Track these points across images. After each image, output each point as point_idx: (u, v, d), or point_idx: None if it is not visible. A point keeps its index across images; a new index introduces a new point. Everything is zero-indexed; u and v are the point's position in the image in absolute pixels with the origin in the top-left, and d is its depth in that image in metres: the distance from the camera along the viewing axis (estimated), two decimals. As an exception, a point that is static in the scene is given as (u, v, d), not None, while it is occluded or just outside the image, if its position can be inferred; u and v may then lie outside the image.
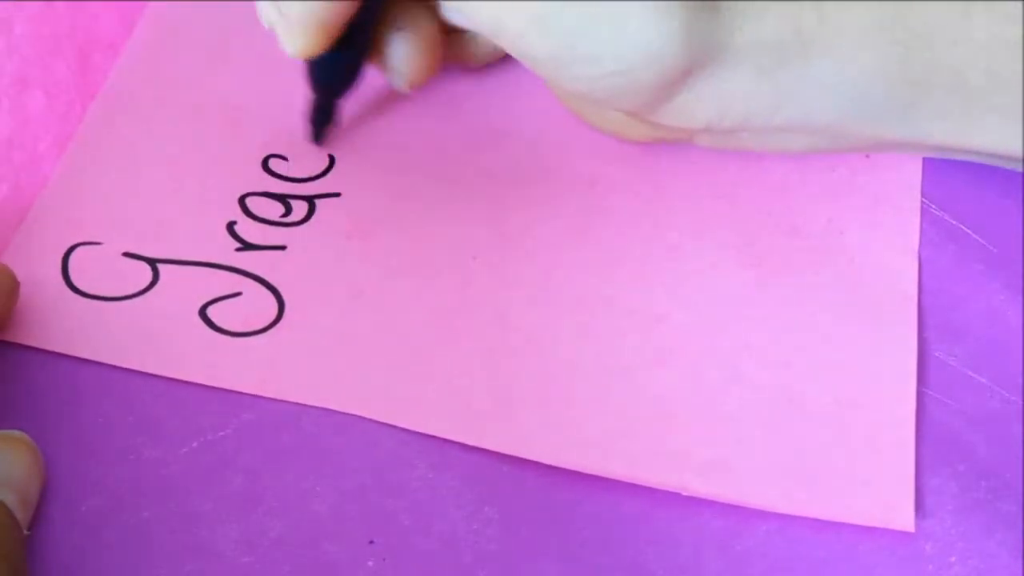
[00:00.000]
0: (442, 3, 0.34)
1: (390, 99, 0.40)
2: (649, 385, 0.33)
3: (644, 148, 0.38)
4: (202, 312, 0.35)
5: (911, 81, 0.31)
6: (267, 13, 0.34)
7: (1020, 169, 0.35)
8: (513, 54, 0.33)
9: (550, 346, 0.34)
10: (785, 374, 0.33)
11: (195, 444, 0.33)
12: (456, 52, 0.38)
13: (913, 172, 0.37)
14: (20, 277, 0.34)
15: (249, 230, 0.37)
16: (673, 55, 0.31)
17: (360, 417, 0.33)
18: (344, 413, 0.33)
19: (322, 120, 0.38)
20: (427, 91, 0.40)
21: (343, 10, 0.34)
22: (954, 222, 0.36)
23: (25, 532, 0.30)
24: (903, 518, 0.31)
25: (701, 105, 0.33)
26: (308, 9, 0.33)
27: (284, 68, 0.40)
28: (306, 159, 0.38)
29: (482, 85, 0.40)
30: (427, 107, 0.39)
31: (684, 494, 0.31)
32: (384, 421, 0.33)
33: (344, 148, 0.38)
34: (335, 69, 0.36)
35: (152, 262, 0.36)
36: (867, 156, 0.38)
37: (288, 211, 0.37)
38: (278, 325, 0.35)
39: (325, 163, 0.38)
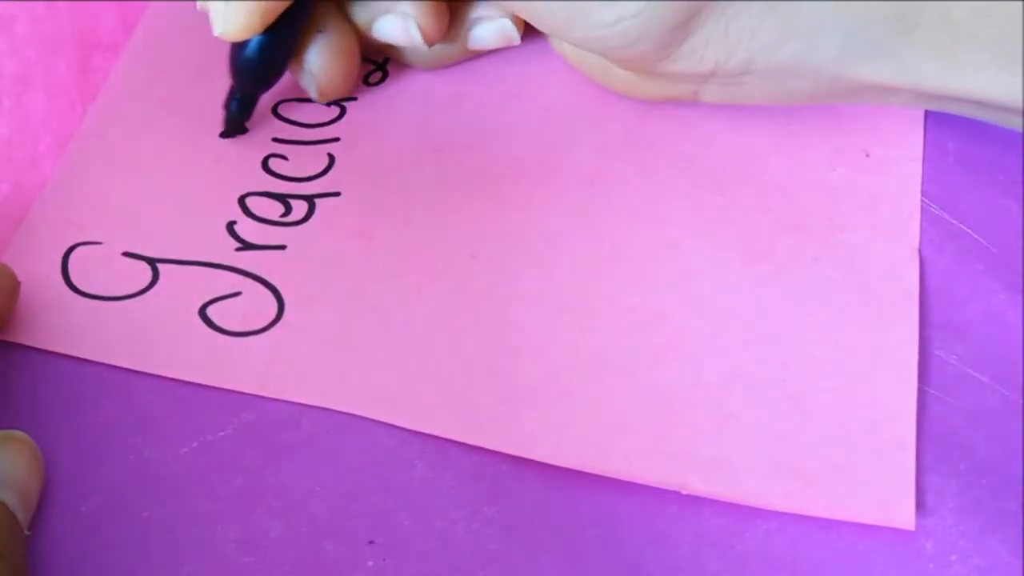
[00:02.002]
0: (372, 22, 0.36)
1: (390, 99, 0.40)
2: (649, 384, 0.33)
3: (644, 148, 0.38)
4: (202, 312, 0.35)
5: (899, 15, 0.32)
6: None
7: (1019, 127, 0.35)
8: (520, 10, 0.34)
9: (550, 345, 0.34)
10: (785, 372, 0.33)
11: (195, 444, 0.33)
12: (397, 55, 0.39)
13: (913, 172, 0.37)
14: (20, 277, 0.34)
15: (249, 230, 0.37)
16: None
17: (360, 417, 0.33)
18: (344, 413, 0.33)
19: (239, 112, 0.38)
20: (428, 90, 0.40)
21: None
22: (954, 222, 0.36)
23: (25, 532, 0.30)
24: (904, 516, 0.31)
25: (710, 47, 0.33)
26: None
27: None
28: (306, 159, 0.38)
29: (482, 84, 0.40)
30: (427, 106, 0.39)
31: (684, 492, 0.31)
32: (384, 421, 0.33)
33: (344, 148, 0.38)
34: (262, 57, 0.36)
35: (152, 262, 0.36)
36: (867, 155, 0.38)
37: (288, 211, 0.37)
38: (278, 325, 0.35)
39: (325, 163, 0.38)
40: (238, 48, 0.36)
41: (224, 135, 0.38)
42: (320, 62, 0.37)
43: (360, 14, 0.37)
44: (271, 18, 0.34)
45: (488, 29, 0.38)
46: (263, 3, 0.34)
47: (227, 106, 0.38)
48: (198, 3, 0.35)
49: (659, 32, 0.32)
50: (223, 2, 0.34)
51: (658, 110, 0.39)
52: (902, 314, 0.34)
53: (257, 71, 0.37)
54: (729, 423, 0.33)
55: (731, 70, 0.34)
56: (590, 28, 0.33)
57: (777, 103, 0.37)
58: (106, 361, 0.34)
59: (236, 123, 0.38)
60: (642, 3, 0.31)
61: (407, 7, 0.36)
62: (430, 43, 0.37)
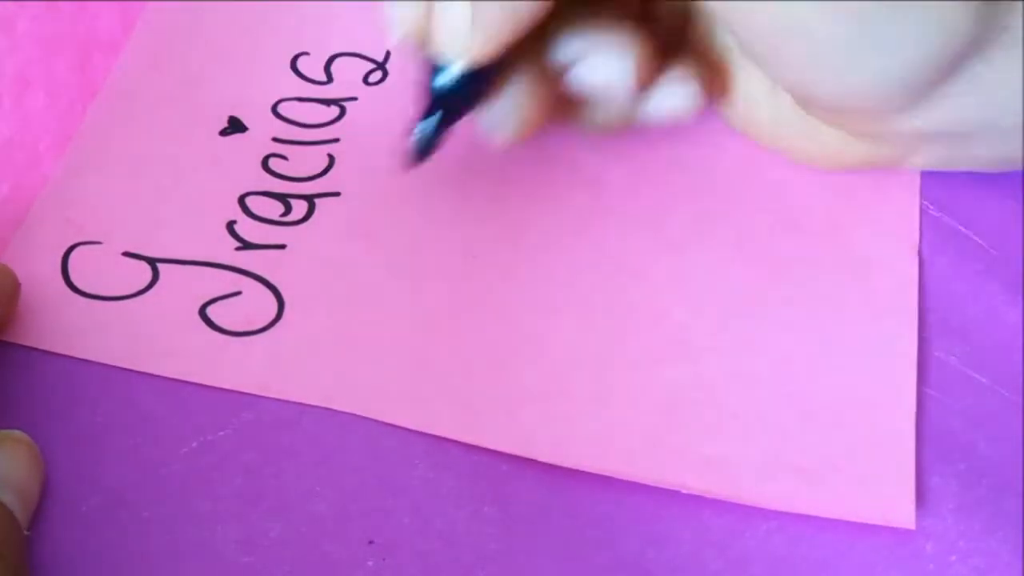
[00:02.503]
0: (571, 69, 0.32)
1: (390, 100, 0.40)
2: (649, 383, 0.33)
3: (643, 146, 0.38)
4: (202, 311, 0.35)
5: None
6: (408, 14, 0.32)
7: None
8: (760, 58, 0.31)
9: (550, 345, 0.34)
10: (785, 372, 0.33)
11: (195, 444, 0.32)
12: (573, 116, 0.35)
13: (912, 172, 0.37)
14: (20, 277, 0.34)
15: (249, 229, 0.37)
16: (966, 33, 0.27)
17: (360, 417, 0.33)
18: (344, 413, 0.33)
19: (429, 140, 0.34)
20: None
21: (537, 12, 0.31)
22: (954, 223, 0.36)
23: (25, 532, 0.30)
24: (904, 515, 0.31)
25: (957, 100, 0.29)
26: (511, 8, 0.30)
27: (284, 68, 0.40)
28: (306, 158, 0.38)
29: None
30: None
31: (684, 492, 0.31)
32: (384, 421, 0.33)
33: (344, 148, 0.38)
34: (469, 84, 0.33)
35: (152, 261, 0.36)
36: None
37: (288, 210, 0.37)
38: (278, 324, 0.35)
39: (325, 162, 0.38)
40: (435, 73, 0.33)
41: (415, 163, 0.35)
42: (514, 111, 0.34)
43: (563, 51, 0.33)
44: (514, 38, 0.31)
45: (672, 96, 0.34)
46: (517, 23, 0.31)
47: (414, 131, 0.34)
48: (398, 27, 0.32)
49: (921, 79, 0.28)
50: (466, 20, 0.31)
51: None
52: (901, 314, 0.34)
53: (458, 100, 0.34)
54: (729, 423, 0.33)
55: (977, 127, 0.30)
56: (852, 73, 0.29)
57: (999, 168, 0.33)
58: (106, 361, 0.34)
59: (425, 153, 0.34)
60: (930, 42, 0.27)
61: (622, 44, 0.32)
62: (642, 86, 0.33)
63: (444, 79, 0.33)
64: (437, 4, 0.31)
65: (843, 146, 0.34)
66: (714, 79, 0.35)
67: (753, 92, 0.35)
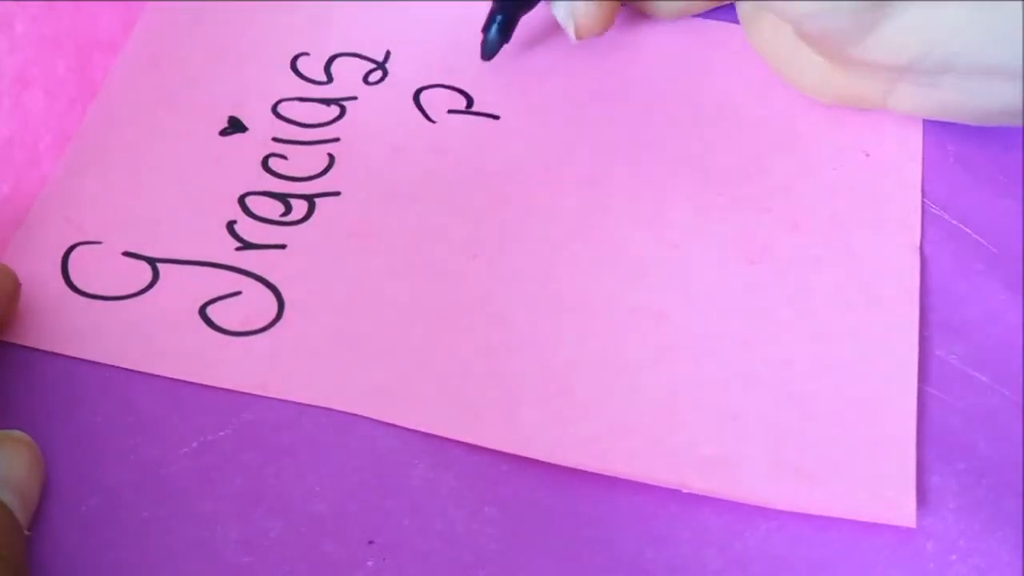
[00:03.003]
0: None
1: (390, 99, 0.40)
2: (650, 383, 0.33)
3: (643, 147, 0.38)
4: (202, 311, 0.35)
5: None
6: None
7: None
8: None
9: (550, 344, 0.34)
10: (786, 371, 0.33)
11: (195, 444, 0.32)
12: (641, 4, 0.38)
13: (913, 171, 0.37)
14: (20, 277, 0.34)
15: (249, 229, 0.37)
16: None
17: (360, 417, 0.33)
18: (344, 413, 0.33)
19: (499, 35, 0.38)
20: (427, 90, 0.40)
21: None
22: (954, 222, 0.36)
23: (25, 532, 0.30)
24: (905, 513, 0.31)
25: (910, 35, 0.31)
26: None
27: (283, 68, 0.40)
28: (306, 158, 0.38)
29: (483, 84, 0.40)
30: (427, 107, 0.40)
31: (684, 491, 0.31)
32: (384, 421, 0.33)
33: (344, 148, 0.38)
34: None
35: (152, 261, 0.36)
36: (867, 155, 0.38)
37: (288, 210, 0.37)
38: (278, 324, 0.35)
39: (325, 162, 0.38)
40: None
41: (487, 58, 0.39)
42: (587, 5, 0.36)
43: None
44: None
45: None
46: None
47: (486, 29, 0.38)
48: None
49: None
50: None
51: (657, 111, 0.39)
52: (902, 313, 0.34)
53: None
54: (729, 422, 0.33)
55: (929, 66, 0.32)
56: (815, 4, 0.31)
57: (968, 120, 0.35)
58: (106, 361, 0.34)
59: (495, 47, 0.38)
60: None
61: None
62: None
63: None
64: None
65: (828, 76, 0.36)
66: None
67: (766, 20, 0.37)
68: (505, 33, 0.38)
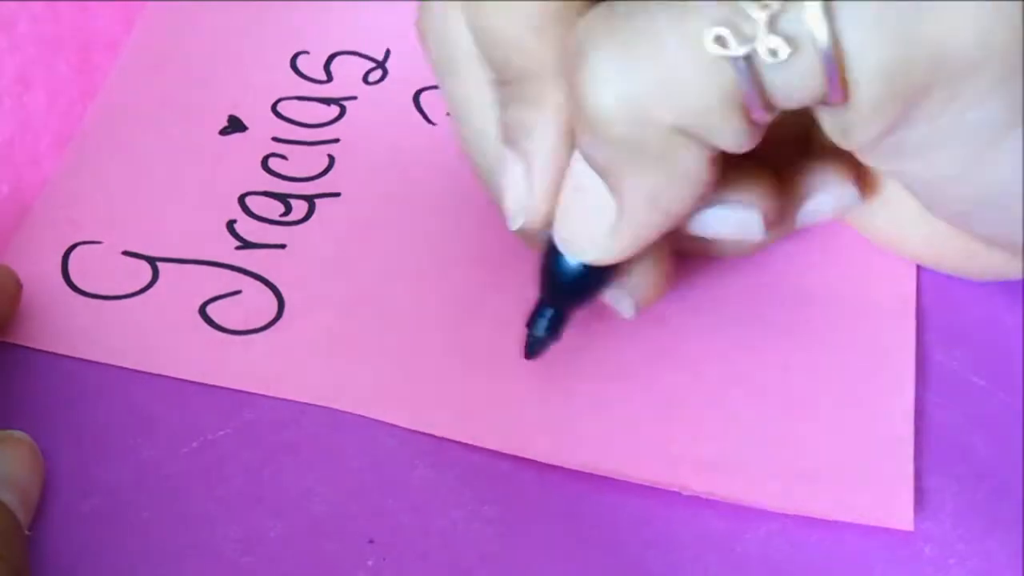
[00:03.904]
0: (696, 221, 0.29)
1: (390, 99, 0.40)
2: (649, 385, 0.33)
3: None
4: (202, 311, 0.35)
5: None
6: (529, 197, 0.28)
7: None
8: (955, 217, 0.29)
9: (550, 345, 0.34)
10: (784, 375, 0.33)
11: (195, 444, 0.33)
12: (702, 249, 0.34)
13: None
14: (20, 277, 0.34)
15: (249, 229, 0.37)
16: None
17: (360, 417, 0.33)
18: (344, 412, 0.33)
19: (548, 332, 0.32)
20: (427, 91, 0.40)
21: (690, 208, 0.28)
22: (954, 223, 0.36)
23: (25, 532, 0.30)
24: (902, 517, 0.31)
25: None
26: (664, 210, 0.27)
27: (283, 67, 0.40)
28: (306, 158, 0.38)
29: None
30: (427, 107, 0.40)
31: (684, 494, 0.31)
32: (384, 421, 0.33)
33: (344, 148, 0.38)
34: (589, 274, 0.30)
35: (152, 261, 0.36)
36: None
37: (288, 210, 0.37)
38: (278, 324, 0.35)
39: (325, 162, 0.38)
40: (554, 259, 0.30)
41: (531, 356, 0.32)
42: (640, 276, 0.31)
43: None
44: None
45: (826, 201, 0.32)
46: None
47: (531, 324, 0.32)
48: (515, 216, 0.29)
49: None
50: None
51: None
52: (900, 316, 0.34)
53: (580, 287, 0.30)
54: (729, 425, 0.33)
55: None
56: None
57: None
58: (106, 361, 0.34)
59: (542, 347, 0.32)
60: None
61: (747, 197, 0.29)
62: (771, 230, 0.30)
63: (567, 271, 0.30)
64: (571, 192, 0.28)
65: (980, 252, 0.32)
66: (863, 179, 0.32)
67: (900, 210, 0.33)
68: (555, 331, 0.32)
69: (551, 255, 0.30)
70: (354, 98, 0.40)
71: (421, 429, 0.33)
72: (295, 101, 0.40)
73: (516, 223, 0.29)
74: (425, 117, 0.39)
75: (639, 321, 0.34)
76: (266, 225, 0.37)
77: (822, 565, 0.31)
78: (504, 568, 0.31)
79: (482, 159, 0.30)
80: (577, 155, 0.27)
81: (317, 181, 0.38)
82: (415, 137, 0.39)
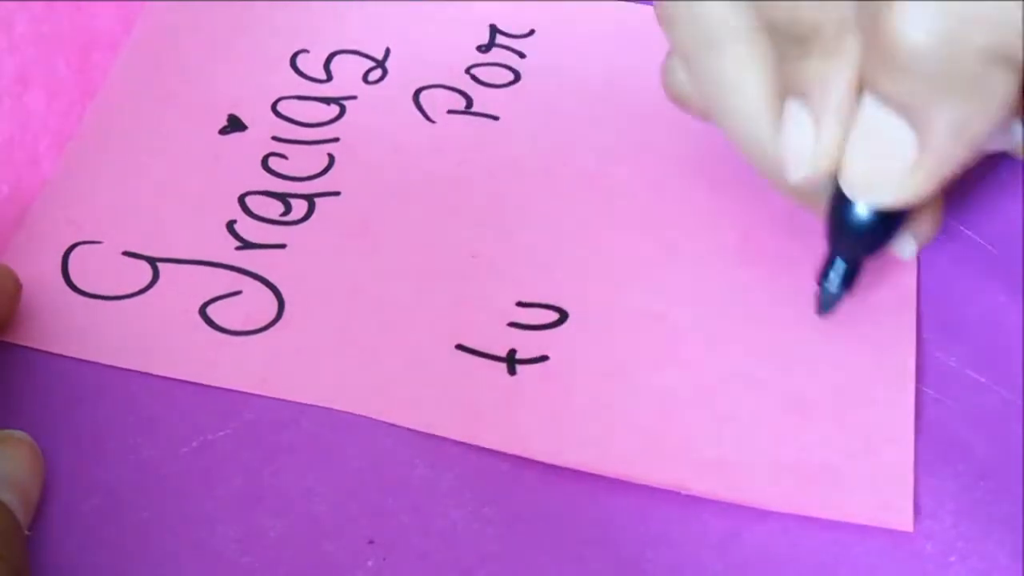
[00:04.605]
0: None
1: (390, 99, 0.40)
2: (648, 384, 0.33)
3: (642, 148, 0.38)
4: (202, 311, 0.35)
5: None
6: (817, 146, 0.29)
7: None
8: None
9: (549, 346, 0.34)
10: (784, 373, 0.33)
11: (195, 444, 0.33)
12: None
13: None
14: (20, 277, 0.34)
15: (249, 229, 0.37)
16: None
17: (360, 417, 0.33)
18: (344, 412, 0.33)
19: (842, 285, 0.32)
20: (427, 90, 0.40)
21: (984, 140, 0.28)
22: (954, 222, 0.36)
23: (25, 532, 0.30)
24: (902, 518, 0.31)
25: None
26: (963, 143, 0.27)
27: (283, 65, 0.40)
28: (306, 158, 0.38)
29: (482, 85, 0.40)
30: (426, 107, 0.40)
31: (683, 493, 0.31)
32: (384, 421, 0.33)
33: (344, 147, 0.38)
34: (881, 218, 0.30)
35: (152, 261, 0.36)
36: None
37: (288, 210, 0.37)
38: (278, 324, 0.35)
39: (325, 162, 0.38)
40: (845, 209, 0.30)
41: (821, 312, 0.33)
42: (922, 214, 0.31)
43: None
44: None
45: None
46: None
47: (822, 279, 0.32)
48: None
49: None
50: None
51: (657, 111, 0.39)
52: (900, 315, 0.34)
53: (873, 235, 0.30)
54: (728, 424, 0.33)
55: None
56: None
57: None
58: (106, 361, 0.34)
59: (835, 302, 0.32)
60: None
61: None
62: None
63: (858, 221, 0.30)
64: (863, 136, 0.28)
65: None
66: None
67: None
68: (849, 284, 0.32)
69: (840, 206, 0.30)
70: (354, 97, 0.40)
71: (421, 429, 0.33)
72: (295, 100, 0.40)
73: (802, 172, 0.29)
74: (425, 116, 0.39)
75: (637, 316, 0.34)
76: (266, 225, 0.37)
77: (822, 564, 0.31)
78: (504, 568, 0.31)
79: (750, 128, 0.31)
80: (868, 99, 0.28)
81: (317, 180, 0.38)
82: (415, 136, 0.39)
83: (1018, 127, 0.30)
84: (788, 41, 0.29)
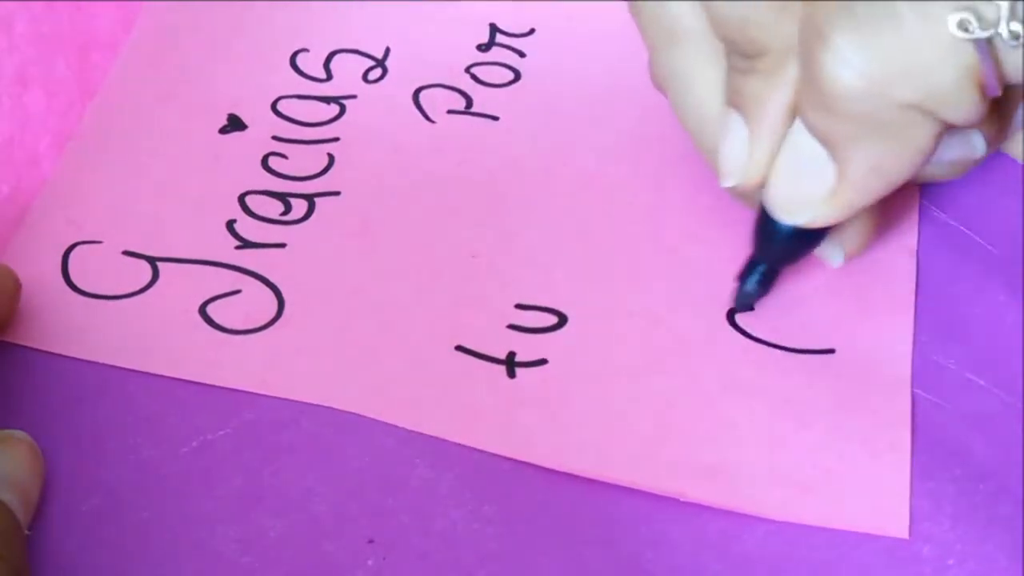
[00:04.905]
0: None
1: (390, 99, 0.40)
2: (646, 390, 0.33)
3: (642, 148, 0.38)
4: (202, 310, 0.35)
5: None
6: (747, 162, 0.31)
7: None
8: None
9: (549, 349, 0.34)
10: (781, 379, 0.33)
11: (195, 444, 0.33)
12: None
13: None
14: (20, 277, 0.34)
15: (249, 228, 0.37)
16: None
17: (360, 416, 0.33)
18: (344, 412, 0.33)
19: (759, 288, 0.34)
20: (426, 90, 0.40)
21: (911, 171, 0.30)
22: (953, 222, 0.36)
23: (25, 532, 0.30)
24: (897, 525, 0.31)
25: None
26: (884, 178, 0.29)
27: (283, 65, 0.40)
28: (306, 157, 0.38)
29: (482, 84, 0.40)
30: (426, 106, 0.40)
31: (682, 500, 0.31)
32: (384, 420, 0.33)
33: (344, 147, 0.38)
34: (801, 232, 0.31)
35: (152, 260, 0.36)
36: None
37: (288, 209, 0.37)
38: (278, 323, 0.35)
39: (325, 162, 0.38)
40: (768, 221, 0.32)
41: (734, 310, 0.34)
42: (851, 228, 0.33)
43: None
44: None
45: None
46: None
47: (741, 278, 0.34)
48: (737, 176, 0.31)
49: None
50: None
51: (657, 111, 0.39)
52: (897, 317, 0.34)
53: (792, 246, 0.32)
54: (725, 430, 0.32)
55: None
56: None
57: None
58: (106, 361, 0.34)
59: (751, 299, 0.34)
60: None
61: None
62: (991, 147, 0.33)
63: (780, 231, 0.32)
64: (789, 158, 0.30)
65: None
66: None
67: None
68: (766, 287, 0.34)
69: (765, 216, 0.32)
70: (354, 96, 0.40)
71: (421, 429, 0.33)
72: (295, 100, 0.40)
73: (730, 182, 0.31)
74: (425, 115, 0.39)
75: (637, 322, 0.34)
76: (266, 224, 0.37)
77: (821, 565, 0.31)
78: (504, 568, 0.31)
79: (698, 124, 0.32)
80: (798, 125, 0.30)
81: (317, 180, 0.38)
82: (415, 135, 0.39)
83: (978, 136, 0.32)
84: (736, 54, 0.30)
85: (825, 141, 0.29)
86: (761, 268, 0.34)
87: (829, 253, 0.34)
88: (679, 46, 0.32)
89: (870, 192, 0.30)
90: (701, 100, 0.32)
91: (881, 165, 0.29)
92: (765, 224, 0.32)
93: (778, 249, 0.33)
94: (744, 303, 0.34)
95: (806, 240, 0.32)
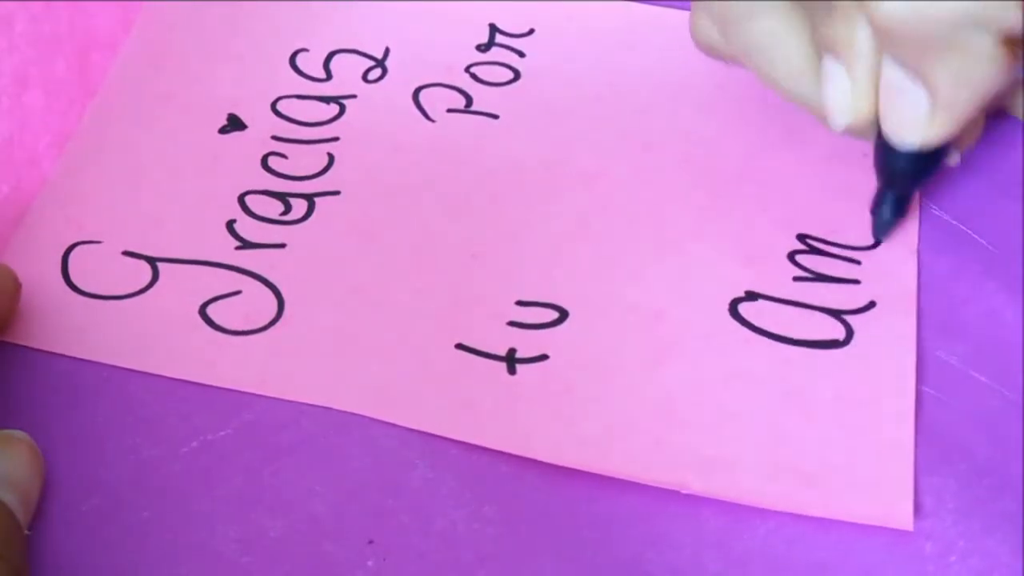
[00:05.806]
0: None
1: (390, 98, 0.40)
2: (648, 383, 0.33)
3: (644, 148, 0.38)
4: (202, 311, 0.35)
5: None
6: (854, 101, 0.32)
7: None
8: None
9: (549, 345, 0.34)
10: (784, 372, 0.33)
11: (195, 444, 0.33)
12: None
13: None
14: (20, 277, 0.34)
15: (249, 228, 0.37)
16: None
17: (360, 416, 0.33)
18: (344, 412, 0.33)
19: (893, 216, 0.35)
20: (426, 89, 0.40)
21: (998, 87, 0.31)
22: (954, 222, 0.36)
23: (25, 532, 0.30)
24: (902, 517, 0.31)
25: None
26: (973, 92, 0.30)
27: (283, 64, 0.40)
28: (306, 157, 0.38)
29: (481, 84, 0.40)
30: (426, 105, 0.39)
31: (683, 492, 0.31)
32: (384, 420, 0.33)
33: (344, 147, 0.38)
34: (926, 158, 0.33)
35: (152, 261, 0.36)
36: (865, 155, 0.38)
37: (288, 209, 0.37)
38: (278, 323, 0.35)
39: (325, 161, 0.38)
40: (886, 149, 0.33)
41: (880, 237, 0.36)
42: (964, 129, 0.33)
43: None
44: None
45: None
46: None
47: (875, 210, 0.35)
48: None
49: None
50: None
51: (657, 110, 0.39)
52: (900, 314, 0.34)
53: (915, 169, 0.34)
54: (728, 423, 0.32)
55: None
56: None
57: None
58: (106, 361, 0.34)
59: (889, 228, 0.36)
60: None
61: None
62: None
63: (900, 160, 0.33)
64: (886, 88, 0.32)
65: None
66: None
67: None
68: (900, 211, 0.35)
69: (885, 146, 0.33)
70: (354, 96, 0.40)
71: (421, 429, 0.33)
72: (295, 99, 0.40)
73: (842, 120, 0.33)
74: (425, 115, 0.39)
75: (638, 314, 0.34)
76: (266, 225, 0.37)
77: (822, 563, 0.31)
78: (504, 568, 0.31)
79: (793, 81, 0.34)
80: (886, 56, 0.31)
81: (317, 180, 0.38)
82: (415, 135, 0.39)
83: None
84: (814, 6, 0.32)
85: (906, 66, 0.30)
86: (892, 196, 0.35)
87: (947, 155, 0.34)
88: (759, 21, 0.33)
89: (964, 106, 0.31)
90: (791, 66, 0.33)
91: (963, 80, 0.30)
92: (886, 154, 0.33)
93: (902, 175, 0.34)
94: (884, 231, 0.35)
95: (926, 161, 0.33)
